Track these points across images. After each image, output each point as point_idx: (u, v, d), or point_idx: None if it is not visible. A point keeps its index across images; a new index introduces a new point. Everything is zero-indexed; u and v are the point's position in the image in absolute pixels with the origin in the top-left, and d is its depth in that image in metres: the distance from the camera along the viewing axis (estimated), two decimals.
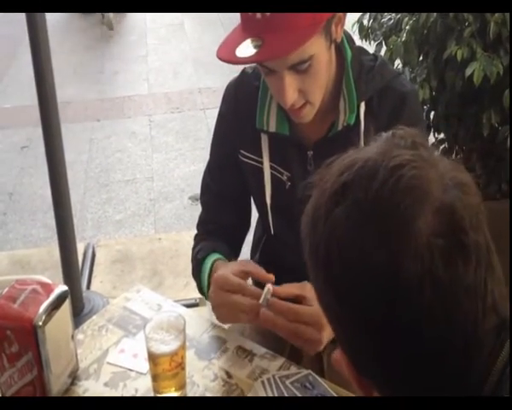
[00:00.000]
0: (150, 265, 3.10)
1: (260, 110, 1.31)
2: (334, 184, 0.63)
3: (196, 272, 1.38)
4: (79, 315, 2.68)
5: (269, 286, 1.16)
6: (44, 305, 1.10)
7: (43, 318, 1.08)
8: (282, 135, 1.31)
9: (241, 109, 1.35)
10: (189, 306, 2.72)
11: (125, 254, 3.19)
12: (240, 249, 1.51)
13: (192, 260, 1.42)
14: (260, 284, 1.20)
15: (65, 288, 1.17)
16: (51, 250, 3.03)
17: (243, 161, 1.37)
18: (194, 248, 1.44)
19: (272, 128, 1.31)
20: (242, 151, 1.37)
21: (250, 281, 1.29)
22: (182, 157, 4.17)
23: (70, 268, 2.65)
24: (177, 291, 2.88)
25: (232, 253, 1.42)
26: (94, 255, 3.20)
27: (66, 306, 1.16)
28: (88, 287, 2.97)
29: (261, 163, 1.35)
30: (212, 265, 1.32)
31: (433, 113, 2.65)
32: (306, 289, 1.16)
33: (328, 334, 1.14)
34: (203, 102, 4.95)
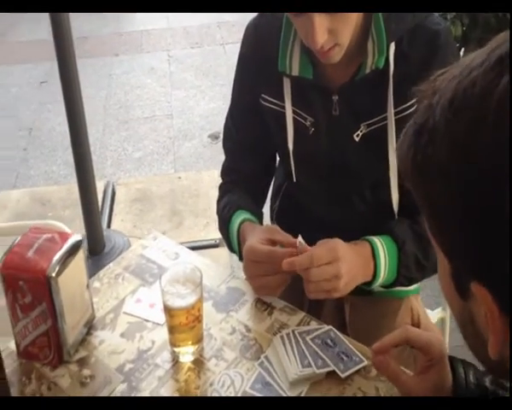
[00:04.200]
0: (170, 204, 3.08)
1: (282, 52, 1.23)
2: (491, 57, 0.52)
3: (224, 230, 1.35)
4: (100, 254, 2.68)
5: (300, 240, 1.13)
6: (58, 255, 1.07)
7: (57, 269, 1.05)
8: (306, 79, 1.23)
9: (261, 52, 1.27)
10: (208, 247, 2.71)
11: (144, 193, 3.17)
12: (265, 197, 1.48)
13: (218, 214, 1.39)
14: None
15: (79, 237, 1.13)
16: (71, 188, 3.00)
17: (265, 106, 1.31)
18: (219, 201, 1.40)
19: (295, 71, 1.23)
20: (264, 95, 1.30)
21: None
22: (201, 94, 4.10)
23: (90, 207, 2.63)
24: (197, 232, 2.87)
25: (257, 204, 1.40)
26: (114, 194, 3.18)
27: (81, 255, 1.12)
28: (108, 225, 2.96)
29: (283, 108, 1.28)
30: (240, 226, 1.28)
31: (463, 50, 2.53)
32: (335, 246, 1.12)
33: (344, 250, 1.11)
34: (222, 36, 4.82)
